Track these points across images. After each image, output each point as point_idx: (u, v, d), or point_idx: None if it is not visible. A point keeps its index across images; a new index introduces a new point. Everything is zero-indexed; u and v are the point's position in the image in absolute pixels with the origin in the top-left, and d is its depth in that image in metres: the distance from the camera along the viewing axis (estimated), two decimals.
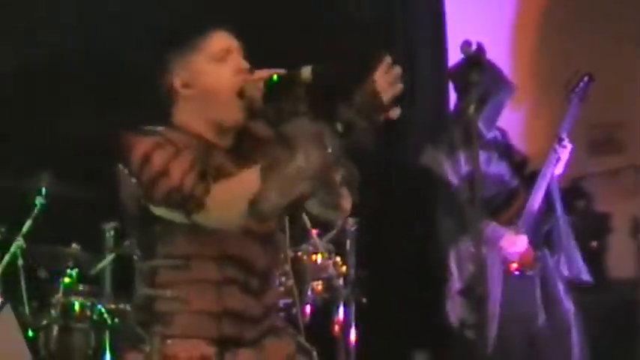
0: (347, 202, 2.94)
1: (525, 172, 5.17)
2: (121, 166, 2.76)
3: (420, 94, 6.08)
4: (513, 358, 4.79)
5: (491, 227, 4.85)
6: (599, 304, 5.77)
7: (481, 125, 4.90)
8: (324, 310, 4.87)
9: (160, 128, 2.81)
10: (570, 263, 5.05)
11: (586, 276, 5.02)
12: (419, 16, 6.18)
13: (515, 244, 4.87)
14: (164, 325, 2.79)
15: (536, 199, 4.97)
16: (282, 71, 2.76)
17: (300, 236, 4.84)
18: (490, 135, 5.01)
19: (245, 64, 2.85)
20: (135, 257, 2.96)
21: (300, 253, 4.83)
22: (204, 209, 2.63)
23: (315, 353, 3.12)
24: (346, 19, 5.78)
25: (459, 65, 5.04)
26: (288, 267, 4.77)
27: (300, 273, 4.81)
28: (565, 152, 5.01)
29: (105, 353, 4.67)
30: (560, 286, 4.97)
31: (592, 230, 6.02)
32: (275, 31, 5.35)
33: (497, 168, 5.04)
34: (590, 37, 6.38)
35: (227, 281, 2.80)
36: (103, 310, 4.71)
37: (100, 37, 5.42)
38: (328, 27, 5.69)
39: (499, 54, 5.36)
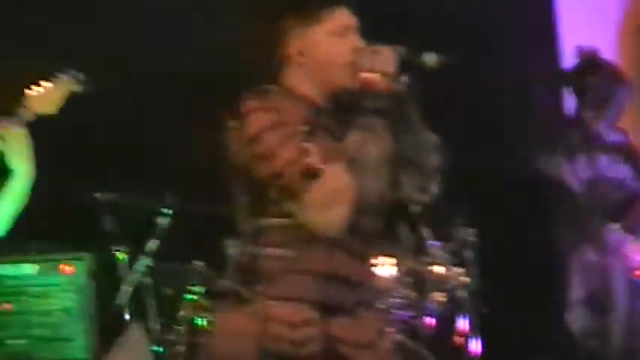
0: (434, 186, 2.94)
1: None
2: (232, 122, 2.83)
3: (533, 100, 6.02)
4: None
5: (614, 234, 4.76)
6: None
7: (602, 128, 4.83)
8: (445, 322, 4.87)
9: (273, 89, 2.90)
10: None
11: None
12: (529, 19, 6.12)
13: (638, 252, 4.74)
14: (268, 285, 2.80)
15: None
16: (402, 50, 2.83)
17: (420, 248, 4.86)
18: (611, 138, 4.91)
19: (361, 43, 2.91)
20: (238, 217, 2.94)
21: (421, 265, 4.86)
22: (300, 205, 2.71)
23: None
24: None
25: (575, 68, 5.00)
26: (408, 279, 4.83)
27: (421, 284, 4.84)
28: None
29: None
30: None
31: None
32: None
33: (619, 172, 4.92)
34: None
35: (336, 243, 2.80)
36: None
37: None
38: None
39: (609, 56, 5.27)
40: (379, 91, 2.82)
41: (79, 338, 4.97)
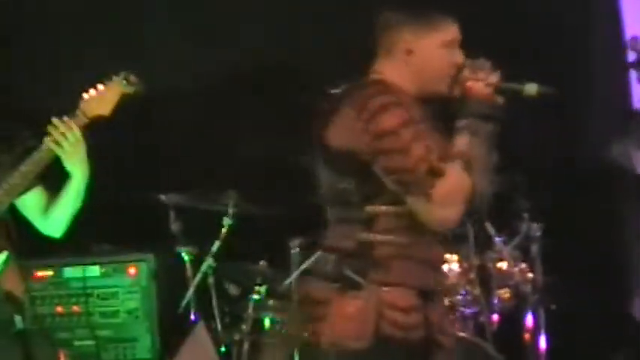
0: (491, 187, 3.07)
1: None
2: (350, 109, 2.95)
3: (597, 89, 5.92)
4: None
5: None
6: None
7: None
8: (512, 318, 4.83)
9: (374, 80, 3.06)
10: None
11: None
12: (594, 10, 6.04)
13: None
14: (382, 272, 2.94)
15: None
16: (509, 84, 3.03)
17: (485, 244, 4.82)
18: None
19: (463, 59, 3.08)
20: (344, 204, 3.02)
21: (485, 261, 4.82)
22: (422, 199, 2.87)
23: None
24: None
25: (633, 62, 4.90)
26: (473, 275, 4.79)
27: (487, 281, 4.79)
28: None
29: None
30: None
31: None
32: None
33: None
34: None
35: (431, 231, 2.99)
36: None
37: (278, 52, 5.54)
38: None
39: None
40: (483, 98, 2.99)
41: (144, 339, 5.01)
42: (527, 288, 4.74)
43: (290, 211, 4.76)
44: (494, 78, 3.01)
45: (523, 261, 4.77)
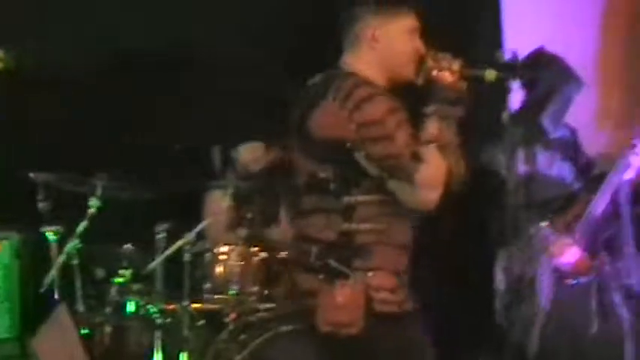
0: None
1: (591, 175, 4.97)
2: (332, 100, 3.12)
3: (478, 94, 5.99)
4: None
5: (544, 233, 4.74)
6: None
7: (546, 123, 4.78)
8: None
9: (342, 70, 3.24)
10: (630, 271, 4.90)
11: (636, 284, 4.87)
12: (475, 15, 6.11)
13: (566, 253, 4.71)
14: (365, 258, 3.13)
15: (599, 205, 4.73)
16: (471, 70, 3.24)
17: None
18: (556, 134, 4.87)
19: (421, 43, 3.29)
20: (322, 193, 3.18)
21: None
22: (406, 183, 3.06)
23: None
24: None
25: (524, 60, 4.94)
26: None
27: None
28: (638, 159, 4.71)
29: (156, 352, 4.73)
30: (618, 295, 4.77)
31: None
32: None
33: (560, 169, 4.91)
34: None
35: (406, 215, 3.21)
36: (156, 309, 4.78)
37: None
38: None
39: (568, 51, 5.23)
40: (449, 84, 3.18)
41: (4, 318, 4.96)
42: None
43: (157, 196, 4.76)
44: (457, 65, 3.21)
45: None
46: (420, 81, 3.25)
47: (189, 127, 5.40)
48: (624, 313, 4.76)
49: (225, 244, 4.82)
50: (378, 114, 3.08)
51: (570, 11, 6.38)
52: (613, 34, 6.66)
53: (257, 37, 5.68)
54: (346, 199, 3.14)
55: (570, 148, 4.96)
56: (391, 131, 3.07)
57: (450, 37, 3.38)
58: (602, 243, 4.83)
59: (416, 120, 3.19)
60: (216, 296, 4.83)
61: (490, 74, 3.25)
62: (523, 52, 4.83)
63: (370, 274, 3.14)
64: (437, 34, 3.30)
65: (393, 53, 3.26)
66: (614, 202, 4.78)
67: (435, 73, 3.21)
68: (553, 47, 4.92)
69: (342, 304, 3.10)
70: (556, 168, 4.90)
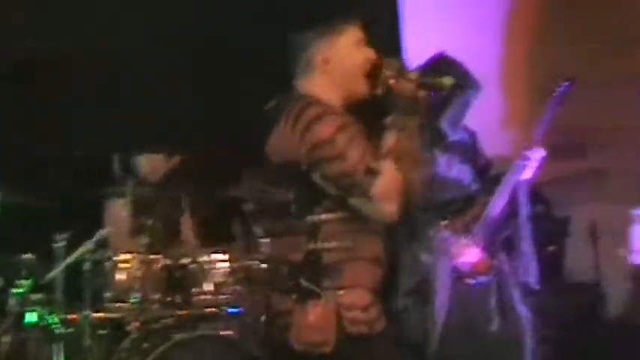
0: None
1: (489, 176, 4.98)
2: (284, 124, 3.11)
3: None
4: None
5: (444, 234, 4.77)
6: (558, 308, 5.77)
7: (445, 126, 4.80)
8: None
9: (298, 95, 3.22)
10: (528, 269, 4.98)
11: (535, 283, 4.95)
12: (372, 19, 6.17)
13: (466, 254, 4.74)
14: (334, 277, 3.11)
15: (497, 206, 4.78)
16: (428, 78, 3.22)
17: (252, 246, 4.87)
18: (455, 136, 4.87)
19: (371, 52, 3.28)
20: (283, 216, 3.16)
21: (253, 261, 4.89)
22: (365, 198, 3.03)
23: None
24: None
25: (423, 66, 4.99)
26: (240, 275, 4.85)
27: (255, 280, 4.85)
28: (534, 160, 4.79)
29: None
30: (516, 293, 4.83)
31: (551, 235, 6.00)
32: None
33: (459, 171, 4.88)
34: (553, 39, 6.39)
35: (373, 230, 3.19)
36: (56, 319, 4.73)
37: None
38: None
39: (468, 56, 5.29)
40: (406, 94, 3.16)
41: None
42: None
43: (58, 204, 4.71)
44: (413, 75, 3.20)
45: None
46: (380, 92, 3.23)
47: (89, 135, 5.34)
48: (523, 310, 4.85)
49: (127, 252, 4.80)
50: (326, 133, 3.06)
51: (472, 15, 6.51)
52: (515, 36, 6.81)
53: (160, 44, 5.66)
54: (309, 219, 3.13)
55: (469, 151, 4.96)
56: (342, 149, 3.05)
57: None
58: (500, 243, 4.92)
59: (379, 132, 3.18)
60: (117, 304, 4.81)
61: (448, 80, 3.22)
62: (423, 56, 4.94)
63: (341, 292, 3.12)
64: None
65: (345, 69, 3.25)
66: (511, 202, 4.86)
67: (392, 82, 3.19)
68: (454, 51, 4.96)
69: (314, 323, 3.09)
70: (455, 170, 4.89)
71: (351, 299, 3.12)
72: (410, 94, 3.17)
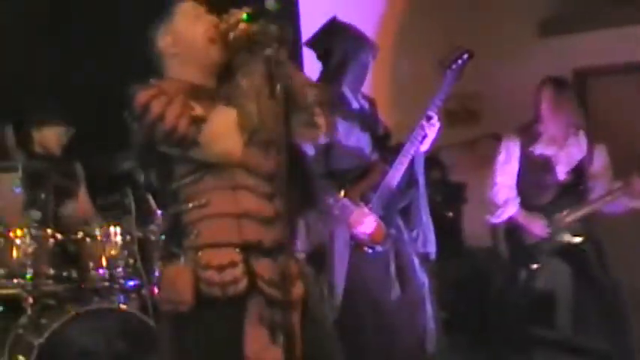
0: (321, 120, 3.34)
1: (388, 146, 5.00)
2: (126, 114, 3.16)
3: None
4: (363, 333, 4.70)
5: (341, 203, 4.76)
6: (455, 273, 5.86)
7: (346, 90, 4.78)
8: None
9: (154, 81, 3.26)
10: (425, 238, 5.00)
11: (432, 251, 4.99)
12: None
13: (363, 223, 4.75)
14: (194, 237, 3.16)
15: (396, 175, 4.82)
16: (248, 9, 3.22)
17: (147, 216, 4.84)
18: (355, 104, 4.85)
19: (213, 19, 3.34)
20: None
21: (147, 233, 4.86)
22: (198, 146, 3.08)
23: None
24: None
25: (316, 33, 4.96)
26: (135, 247, 4.81)
27: (148, 253, 4.83)
28: (432, 130, 4.80)
29: None
30: (415, 261, 4.88)
31: (448, 200, 6.06)
32: None
33: (358, 140, 4.87)
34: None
35: (239, 186, 3.21)
36: None
37: None
38: None
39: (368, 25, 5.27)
40: (243, 35, 3.20)
41: None
42: None
43: None
44: (239, 15, 3.23)
45: None
46: (232, 51, 3.28)
47: None
48: (422, 277, 4.89)
49: (19, 228, 4.73)
50: (141, 103, 3.12)
51: None
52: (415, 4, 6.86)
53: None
54: (169, 187, 3.22)
55: (369, 119, 4.95)
56: (158, 112, 3.10)
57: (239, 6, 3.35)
58: (398, 212, 4.95)
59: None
60: (14, 281, 4.74)
61: (270, 4, 3.15)
62: (318, 23, 4.92)
63: (201, 252, 3.16)
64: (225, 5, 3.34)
65: (188, 44, 3.32)
66: (409, 172, 4.89)
67: (231, 35, 3.25)
68: (349, 17, 4.94)
69: (170, 281, 3.17)
70: (354, 138, 4.87)
71: (208, 258, 3.16)
72: (245, 32, 3.21)
